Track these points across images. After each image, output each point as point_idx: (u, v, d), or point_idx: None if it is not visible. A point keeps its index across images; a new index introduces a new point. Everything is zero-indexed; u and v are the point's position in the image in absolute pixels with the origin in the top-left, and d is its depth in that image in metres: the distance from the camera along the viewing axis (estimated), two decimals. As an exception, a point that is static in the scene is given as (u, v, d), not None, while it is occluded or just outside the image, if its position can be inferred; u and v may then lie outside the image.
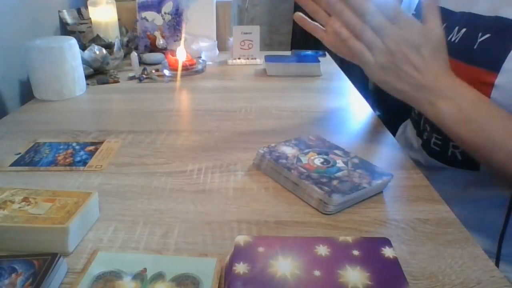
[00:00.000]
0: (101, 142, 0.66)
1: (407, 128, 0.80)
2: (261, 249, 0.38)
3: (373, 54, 0.52)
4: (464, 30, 0.57)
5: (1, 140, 0.68)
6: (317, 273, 0.35)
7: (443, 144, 0.63)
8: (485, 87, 0.52)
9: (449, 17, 0.61)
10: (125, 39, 1.15)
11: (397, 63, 0.51)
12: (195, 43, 1.14)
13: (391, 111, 0.84)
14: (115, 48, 1.03)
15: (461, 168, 0.61)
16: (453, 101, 0.50)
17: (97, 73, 1.00)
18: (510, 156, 0.49)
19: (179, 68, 1.02)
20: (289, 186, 0.53)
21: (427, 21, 0.52)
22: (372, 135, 0.71)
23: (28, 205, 0.44)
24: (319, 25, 0.63)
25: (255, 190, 0.53)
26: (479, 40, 0.54)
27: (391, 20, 0.51)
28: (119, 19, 1.17)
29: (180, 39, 1.17)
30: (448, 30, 0.60)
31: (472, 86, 0.52)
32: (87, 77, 0.94)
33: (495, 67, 0.51)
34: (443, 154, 0.64)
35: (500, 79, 0.51)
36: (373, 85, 0.84)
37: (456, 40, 0.58)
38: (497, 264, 0.55)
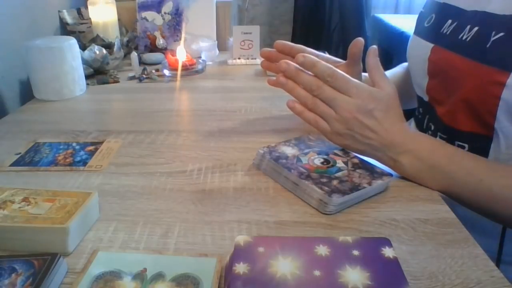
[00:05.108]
0: (101, 142, 0.66)
1: (411, 127, 0.79)
2: (261, 249, 0.38)
3: (328, 123, 0.55)
4: (476, 28, 0.57)
5: (1, 140, 0.68)
6: (317, 273, 0.35)
7: None
8: (496, 87, 0.51)
9: (460, 16, 0.61)
10: (125, 39, 1.15)
11: (353, 128, 0.53)
12: (195, 43, 1.14)
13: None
14: (115, 48, 1.03)
15: None
16: (411, 154, 0.53)
17: (97, 73, 0.99)
18: (474, 193, 0.50)
19: (179, 68, 1.01)
20: (289, 186, 0.53)
21: (375, 83, 0.55)
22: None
23: (28, 205, 0.44)
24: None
25: (255, 190, 0.53)
26: (492, 39, 0.53)
27: (340, 90, 0.53)
28: (119, 19, 1.17)
29: (180, 39, 1.17)
30: (459, 29, 0.60)
31: (483, 86, 0.53)
32: (87, 77, 0.94)
33: (508, 66, 0.50)
34: None
35: None
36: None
37: (468, 39, 0.57)
38: (497, 265, 0.55)
